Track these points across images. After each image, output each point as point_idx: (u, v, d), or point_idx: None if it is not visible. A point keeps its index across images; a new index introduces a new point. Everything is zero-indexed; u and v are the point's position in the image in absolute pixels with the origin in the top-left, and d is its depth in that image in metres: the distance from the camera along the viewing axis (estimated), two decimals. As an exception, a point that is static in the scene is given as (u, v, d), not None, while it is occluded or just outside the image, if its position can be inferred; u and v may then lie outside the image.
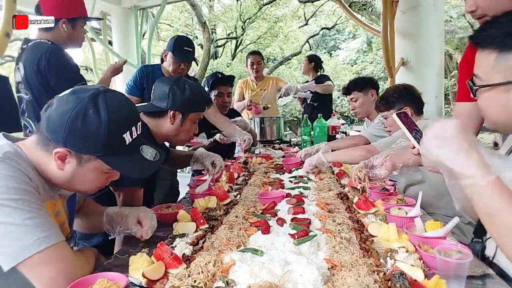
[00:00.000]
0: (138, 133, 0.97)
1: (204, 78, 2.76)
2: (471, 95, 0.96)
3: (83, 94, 0.88)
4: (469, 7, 1.20)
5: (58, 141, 0.87)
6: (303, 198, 1.46)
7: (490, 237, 1.10)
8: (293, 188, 1.67)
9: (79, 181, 0.94)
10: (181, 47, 2.43)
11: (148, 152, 1.01)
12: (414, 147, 1.07)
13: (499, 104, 0.87)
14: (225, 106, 2.65)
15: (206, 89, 2.64)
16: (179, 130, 1.54)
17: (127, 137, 0.93)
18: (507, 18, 0.86)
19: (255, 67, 3.79)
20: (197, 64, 2.84)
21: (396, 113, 1.17)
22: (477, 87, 0.91)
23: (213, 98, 2.61)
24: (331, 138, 2.90)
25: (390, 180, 1.83)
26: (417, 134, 1.13)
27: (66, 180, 0.92)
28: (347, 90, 2.55)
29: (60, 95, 0.91)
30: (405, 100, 1.95)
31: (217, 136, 2.48)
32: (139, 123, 0.98)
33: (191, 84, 1.53)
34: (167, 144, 1.78)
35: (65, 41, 1.94)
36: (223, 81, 2.62)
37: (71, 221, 1.07)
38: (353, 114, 2.60)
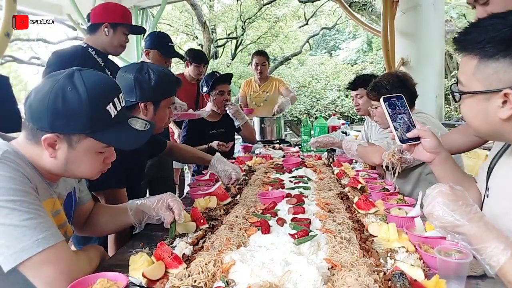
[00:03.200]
0: (122, 105, 0.96)
1: (202, 80, 2.76)
2: (454, 101, 0.93)
3: (58, 75, 0.88)
4: None
5: (44, 127, 0.86)
6: (303, 198, 1.46)
7: None
8: (293, 188, 1.67)
9: (75, 166, 0.92)
10: (166, 44, 2.45)
11: (137, 124, 1.00)
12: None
13: (479, 113, 0.84)
14: (226, 104, 2.65)
15: (205, 89, 2.64)
16: (153, 119, 1.46)
17: (111, 110, 0.91)
18: (491, 21, 0.80)
19: (259, 68, 3.74)
20: (182, 58, 2.88)
21: (384, 97, 1.11)
22: (458, 93, 0.88)
23: (214, 97, 2.61)
24: (331, 138, 2.90)
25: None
26: (406, 122, 1.09)
27: (62, 168, 0.91)
28: (354, 86, 2.50)
29: (37, 84, 0.90)
30: (398, 93, 1.90)
31: (215, 144, 2.47)
32: (121, 94, 0.96)
33: (156, 69, 1.45)
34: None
35: (105, 45, 2.05)
36: (222, 80, 2.61)
37: (71, 223, 1.07)
38: (353, 114, 2.59)
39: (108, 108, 0.90)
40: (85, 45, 2.04)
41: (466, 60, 0.85)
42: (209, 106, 2.68)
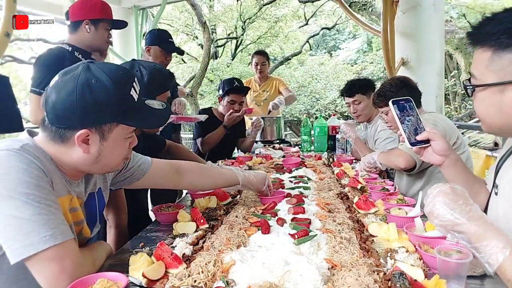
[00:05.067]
0: (139, 88, 0.98)
1: (220, 81, 2.82)
2: (467, 96, 0.93)
3: (75, 71, 0.88)
4: None
5: (74, 125, 0.87)
6: (303, 198, 1.46)
7: None
8: (293, 188, 1.67)
9: (107, 157, 0.93)
10: (166, 39, 2.48)
11: (155, 103, 1.02)
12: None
13: (493, 106, 0.84)
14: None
15: (220, 92, 2.68)
16: None
17: (134, 94, 0.94)
18: (505, 14, 0.81)
19: (259, 67, 3.77)
20: (183, 54, 2.90)
21: (393, 100, 1.11)
22: (471, 86, 0.88)
23: (225, 103, 2.67)
24: (331, 138, 2.91)
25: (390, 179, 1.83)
26: (414, 124, 1.09)
27: (93, 162, 0.92)
28: (351, 92, 2.44)
29: (50, 85, 0.89)
30: (404, 94, 1.84)
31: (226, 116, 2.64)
32: (135, 77, 0.98)
33: (147, 66, 1.43)
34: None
35: (88, 42, 2.01)
36: (238, 90, 2.67)
37: (90, 224, 1.05)
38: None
39: (131, 93, 0.92)
40: (69, 47, 1.97)
41: (479, 53, 0.85)
42: (221, 109, 2.74)
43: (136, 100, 0.94)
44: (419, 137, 1.06)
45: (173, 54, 2.65)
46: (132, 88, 0.93)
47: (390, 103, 1.12)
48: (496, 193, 0.98)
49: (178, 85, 3.68)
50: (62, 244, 0.81)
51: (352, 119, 2.67)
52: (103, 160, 0.93)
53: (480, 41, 0.84)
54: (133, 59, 1.50)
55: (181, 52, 2.68)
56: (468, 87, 0.89)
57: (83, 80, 0.85)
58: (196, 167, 1.36)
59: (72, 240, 0.85)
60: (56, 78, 0.89)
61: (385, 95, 1.91)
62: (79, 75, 0.86)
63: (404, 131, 1.07)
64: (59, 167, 0.92)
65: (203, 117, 2.48)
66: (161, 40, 2.45)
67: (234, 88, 2.65)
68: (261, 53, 3.84)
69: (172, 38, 2.54)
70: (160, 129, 2.08)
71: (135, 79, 0.97)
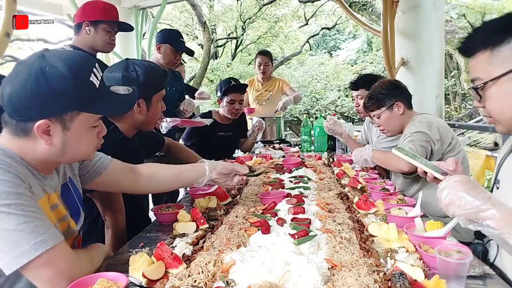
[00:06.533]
0: (101, 74, 0.94)
1: (218, 83, 2.81)
2: (476, 102, 0.94)
3: (28, 61, 0.84)
4: None
5: (33, 116, 0.83)
6: (303, 198, 1.46)
7: (491, 239, 1.10)
8: (293, 188, 1.67)
9: (73, 147, 0.90)
10: (178, 38, 2.51)
11: (120, 89, 0.99)
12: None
13: (507, 96, 0.87)
14: (236, 113, 2.69)
15: (219, 94, 2.67)
16: (147, 116, 1.46)
17: (95, 80, 0.89)
18: (487, 22, 0.91)
19: (262, 68, 3.76)
20: (192, 54, 2.89)
21: (395, 148, 1.13)
22: (481, 84, 0.90)
23: (225, 104, 2.65)
24: (331, 138, 2.91)
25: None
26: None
27: (59, 153, 0.89)
28: (356, 86, 2.46)
29: (5, 78, 0.85)
30: (395, 96, 1.87)
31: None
32: (97, 64, 0.93)
33: (141, 65, 1.43)
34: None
35: (90, 44, 2.05)
36: (236, 89, 2.64)
37: (73, 215, 1.04)
38: (353, 114, 2.56)
39: (91, 79, 0.88)
40: (70, 48, 2.00)
41: (476, 58, 0.90)
42: (221, 110, 2.71)
43: (97, 86, 0.90)
44: (449, 161, 1.03)
45: None
46: (92, 74, 0.89)
47: (393, 151, 1.12)
48: (497, 188, 1.00)
49: (192, 87, 3.66)
50: (54, 248, 0.80)
51: (353, 120, 2.67)
52: (70, 151, 0.90)
53: (474, 48, 0.90)
54: (127, 58, 1.49)
55: (190, 52, 2.67)
56: (478, 88, 0.91)
57: (37, 69, 0.81)
58: (153, 168, 1.30)
59: (63, 242, 0.84)
60: (12, 70, 0.86)
61: (377, 98, 1.90)
62: (32, 63, 0.82)
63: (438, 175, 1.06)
64: (30, 164, 0.88)
65: (208, 121, 2.46)
66: (172, 39, 2.47)
67: (232, 87, 2.62)
68: (265, 54, 3.82)
69: (183, 38, 2.56)
70: (165, 131, 2.07)
71: (96, 64, 0.91)
